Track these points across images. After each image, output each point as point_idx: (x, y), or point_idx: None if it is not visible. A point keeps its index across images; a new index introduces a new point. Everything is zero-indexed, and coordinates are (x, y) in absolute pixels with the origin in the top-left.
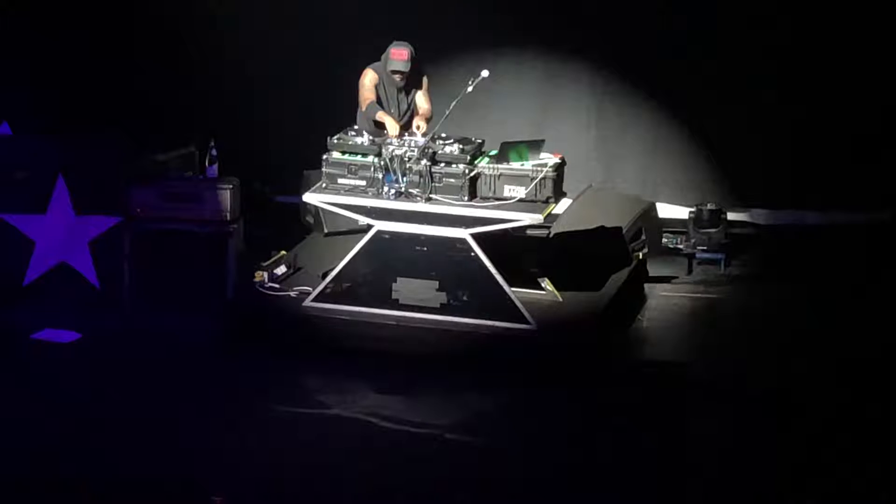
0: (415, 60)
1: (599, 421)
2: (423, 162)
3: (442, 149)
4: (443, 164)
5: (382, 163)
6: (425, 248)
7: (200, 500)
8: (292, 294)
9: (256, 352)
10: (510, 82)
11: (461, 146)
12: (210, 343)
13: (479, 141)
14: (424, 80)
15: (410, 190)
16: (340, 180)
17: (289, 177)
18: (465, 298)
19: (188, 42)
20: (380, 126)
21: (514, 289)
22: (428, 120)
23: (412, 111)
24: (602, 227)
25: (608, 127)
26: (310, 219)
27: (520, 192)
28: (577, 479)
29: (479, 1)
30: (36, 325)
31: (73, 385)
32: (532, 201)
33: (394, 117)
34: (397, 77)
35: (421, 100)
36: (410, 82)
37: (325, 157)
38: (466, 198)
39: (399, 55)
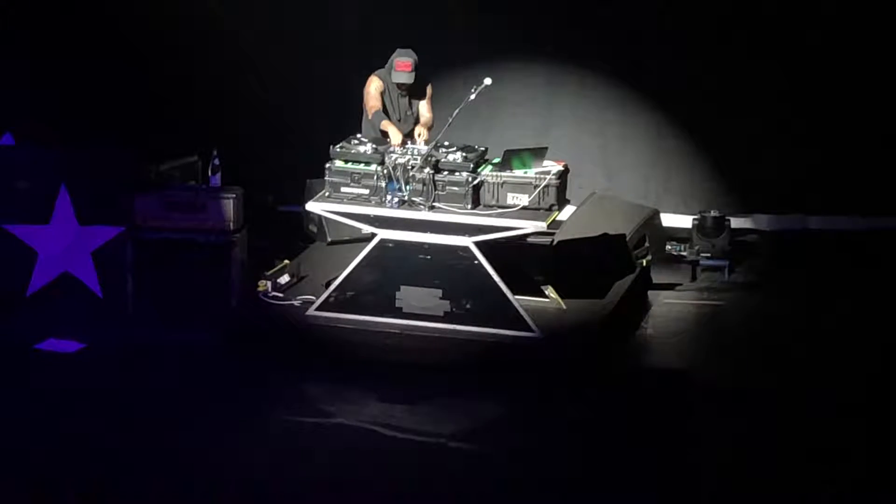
0: (418, 69)
1: (603, 428)
2: (427, 170)
3: (445, 157)
4: (446, 173)
5: (385, 171)
6: (429, 257)
7: None
8: (296, 303)
9: (260, 360)
10: (513, 90)
11: (464, 154)
12: (213, 352)
13: (483, 149)
14: (428, 88)
15: (413, 198)
16: (343, 189)
17: (292, 186)
18: (468, 307)
19: (191, 50)
20: (385, 135)
21: (517, 297)
22: (429, 128)
23: (416, 118)
24: (605, 234)
25: (611, 134)
26: (313, 228)
27: (523, 199)
28: (580, 488)
29: (481, 8)
30: (39, 335)
31: (76, 395)
32: (535, 209)
33: (398, 126)
34: (400, 88)
35: (423, 108)
36: (414, 90)
37: (327, 165)
38: (470, 206)
39: (403, 66)
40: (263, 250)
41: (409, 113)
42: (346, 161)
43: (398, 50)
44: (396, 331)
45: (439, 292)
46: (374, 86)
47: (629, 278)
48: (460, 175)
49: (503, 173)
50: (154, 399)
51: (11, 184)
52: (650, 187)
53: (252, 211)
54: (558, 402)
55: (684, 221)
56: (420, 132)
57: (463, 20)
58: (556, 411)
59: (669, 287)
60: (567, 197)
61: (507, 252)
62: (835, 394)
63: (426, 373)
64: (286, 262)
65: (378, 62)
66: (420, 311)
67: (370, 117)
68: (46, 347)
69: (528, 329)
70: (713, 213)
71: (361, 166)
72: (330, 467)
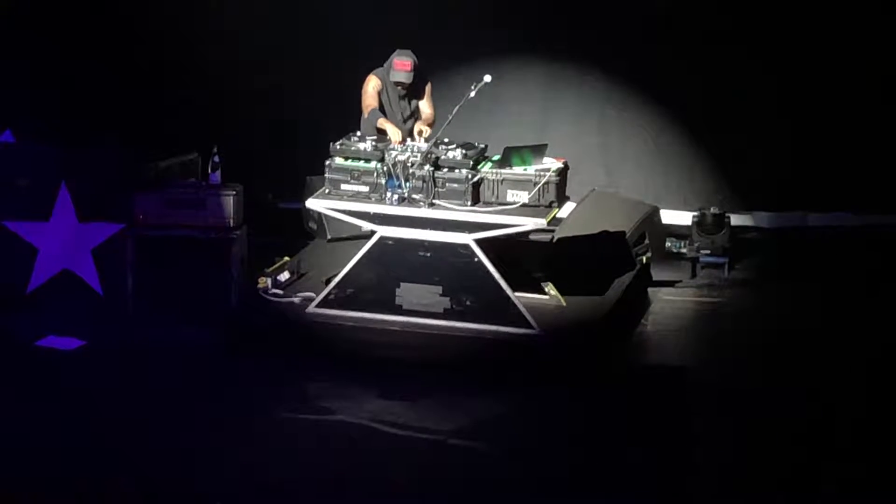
0: (417, 69)
1: (603, 426)
2: (426, 167)
3: (445, 154)
4: (446, 170)
5: (385, 168)
6: (428, 254)
7: None
8: (296, 300)
9: (260, 358)
10: (513, 87)
11: (464, 151)
12: (213, 349)
13: (482, 146)
14: (427, 86)
15: (413, 195)
16: (343, 186)
17: (292, 183)
18: (468, 303)
19: (191, 48)
20: (383, 133)
21: (517, 293)
22: (430, 125)
23: (415, 116)
24: (605, 231)
25: (611, 131)
26: (313, 225)
27: (523, 196)
28: (580, 484)
29: (481, 5)
30: (39, 332)
31: (76, 392)
32: (535, 206)
33: (396, 124)
34: (399, 87)
35: (424, 105)
36: (413, 89)
37: (327, 162)
38: (469, 203)
39: (402, 66)
40: (263, 247)
41: (408, 112)
42: (346, 158)
43: (398, 50)
44: (396, 328)
45: (439, 289)
46: (371, 84)
47: (629, 275)
48: (460, 172)
49: (503, 170)
50: (154, 396)
51: (12, 181)
52: (650, 184)
53: (252, 208)
54: (558, 400)
55: (684, 218)
56: (421, 129)
57: (463, 20)
58: (556, 409)
59: (669, 284)
60: (567, 194)
61: (506, 249)
62: (834, 392)
63: (426, 370)
64: (286, 259)
65: (378, 62)
66: (420, 308)
67: (366, 116)
68: (47, 344)
69: (528, 326)
70: (713, 210)
71: (361, 163)
72: (330, 464)
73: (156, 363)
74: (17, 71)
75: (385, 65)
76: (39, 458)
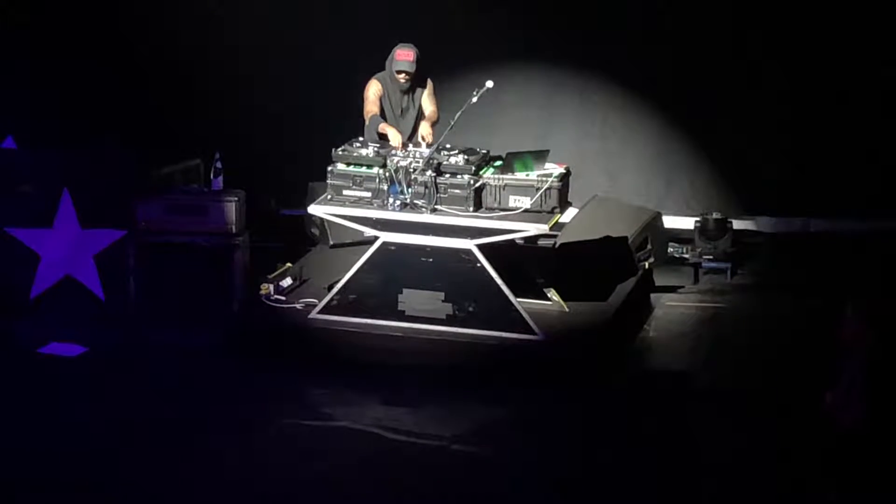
0: (419, 60)
1: (605, 431)
2: (428, 173)
3: (447, 159)
4: (448, 175)
5: (387, 174)
6: (431, 260)
7: None
8: (298, 306)
9: (262, 364)
10: (515, 93)
11: (466, 157)
12: (215, 355)
13: (484, 151)
14: (429, 83)
15: (415, 201)
16: (345, 192)
17: (294, 189)
18: (471, 309)
19: (192, 52)
20: (385, 137)
21: (519, 299)
22: (434, 123)
23: (418, 113)
24: (608, 236)
25: (613, 137)
26: (315, 230)
27: (525, 202)
28: (582, 490)
29: (481, 9)
30: (42, 338)
31: (79, 398)
32: (537, 211)
33: (398, 125)
34: (402, 78)
35: (426, 102)
36: (415, 85)
37: (330, 168)
38: (472, 209)
39: (405, 55)
40: (265, 253)
41: (409, 108)
42: (348, 164)
43: (399, 43)
44: (399, 334)
45: (441, 295)
46: (372, 90)
47: (631, 280)
48: (462, 178)
49: (505, 176)
50: (156, 403)
51: (14, 187)
52: (652, 189)
53: (254, 214)
54: (560, 405)
55: (686, 223)
56: (423, 135)
57: (463, 21)
58: (558, 414)
59: (672, 289)
60: (569, 199)
61: (509, 254)
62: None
63: (428, 376)
64: (288, 265)
65: (379, 63)
66: (422, 314)
67: (367, 122)
68: (49, 351)
69: (531, 332)
70: (715, 216)
71: (363, 169)
72: (332, 470)
73: (157, 369)
74: (17, 71)
75: (386, 63)
76: (40, 460)
